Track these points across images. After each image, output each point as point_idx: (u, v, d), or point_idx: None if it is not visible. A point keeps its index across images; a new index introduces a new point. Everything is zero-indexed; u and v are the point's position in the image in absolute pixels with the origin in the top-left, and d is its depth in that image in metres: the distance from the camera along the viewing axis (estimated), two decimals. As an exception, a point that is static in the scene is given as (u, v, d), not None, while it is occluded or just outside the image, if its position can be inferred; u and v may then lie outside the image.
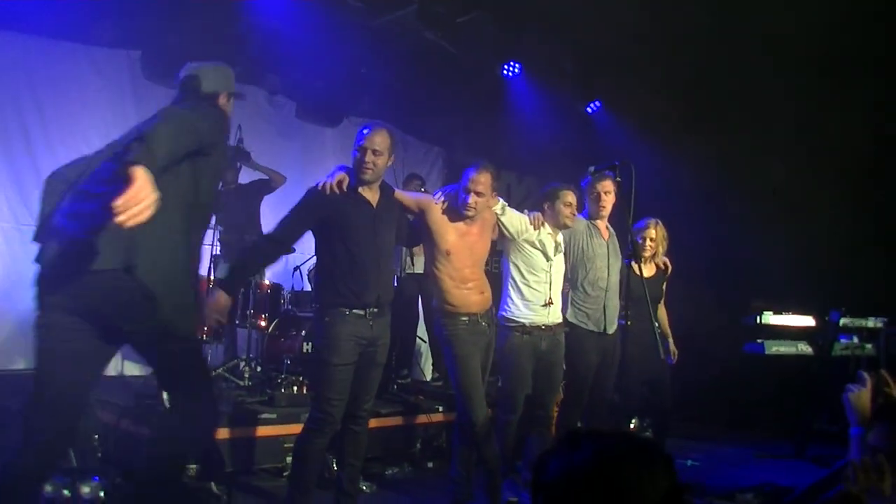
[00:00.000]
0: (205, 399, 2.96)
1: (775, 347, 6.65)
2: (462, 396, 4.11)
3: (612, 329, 4.73)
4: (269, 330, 5.83)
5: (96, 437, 4.35)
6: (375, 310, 3.72)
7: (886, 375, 2.63)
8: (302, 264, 6.40)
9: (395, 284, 6.31)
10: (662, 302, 5.29)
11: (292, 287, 6.48)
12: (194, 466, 4.19)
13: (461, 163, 4.24)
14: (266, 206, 6.35)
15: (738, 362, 7.03)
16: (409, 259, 6.23)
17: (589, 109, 8.21)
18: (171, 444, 2.95)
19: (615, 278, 4.77)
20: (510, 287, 4.46)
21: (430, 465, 5.45)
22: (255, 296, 5.82)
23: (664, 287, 5.27)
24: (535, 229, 4.39)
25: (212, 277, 5.54)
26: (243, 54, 5.91)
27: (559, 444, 1.40)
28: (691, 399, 6.71)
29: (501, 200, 4.33)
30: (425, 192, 5.92)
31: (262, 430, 4.67)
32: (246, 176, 6.42)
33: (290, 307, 6.19)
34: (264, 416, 4.71)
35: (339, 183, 3.70)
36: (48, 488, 3.68)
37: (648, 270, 5.12)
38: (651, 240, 5.14)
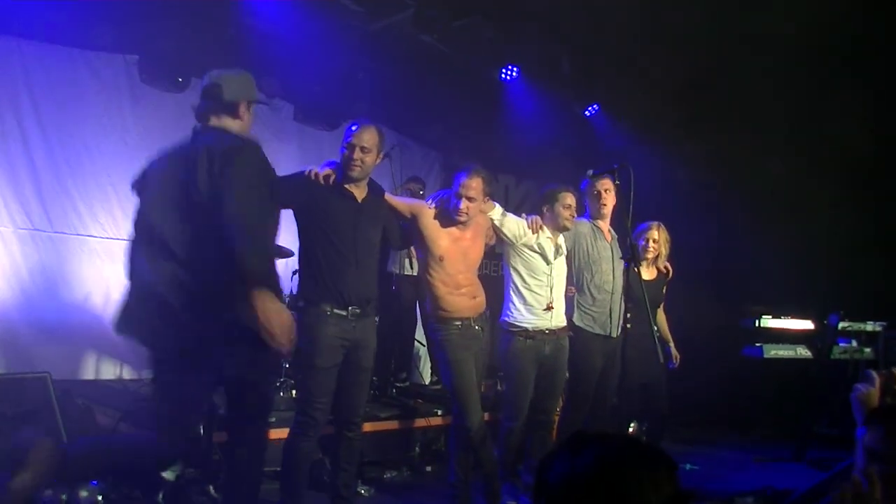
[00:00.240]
0: None
1: (774, 351, 6.66)
2: (456, 401, 4.10)
3: (617, 332, 4.70)
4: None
5: (94, 441, 4.33)
6: (358, 310, 3.67)
7: None
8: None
9: (394, 288, 6.34)
10: (661, 306, 5.27)
11: (290, 291, 6.44)
12: (192, 470, 4.19)
13: (459, 166, 4.22)
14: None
15: (737, 366, 7.02)
16: (407, 261, 6.19)
17: (587, 112, 8.21)
18: None
19: (620, 281, 4.73)
20: (511, 292, 4.44)
21: (428, 468, 5.44)
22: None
23: (664, 291, 5.25)
24: (533, 233, 4.37)
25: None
26: (240, 58, 5.90)
27: (563, 446, 1.39)
28: (690, 403, 6.70)
29: (498, 205, 4.31)
30: (423, 195, 5.92)
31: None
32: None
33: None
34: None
35: (326, 177, 3.68)
36: (46, 492, 3.68)
37: (649, 274, 5.09)
38: (654, 241, 5.09)
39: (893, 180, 6.85)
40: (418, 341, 6.83)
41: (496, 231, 4.34)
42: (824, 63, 6.38)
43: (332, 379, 3.64)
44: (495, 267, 6.39)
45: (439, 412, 5.59)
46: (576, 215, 4.56)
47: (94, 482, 3.79)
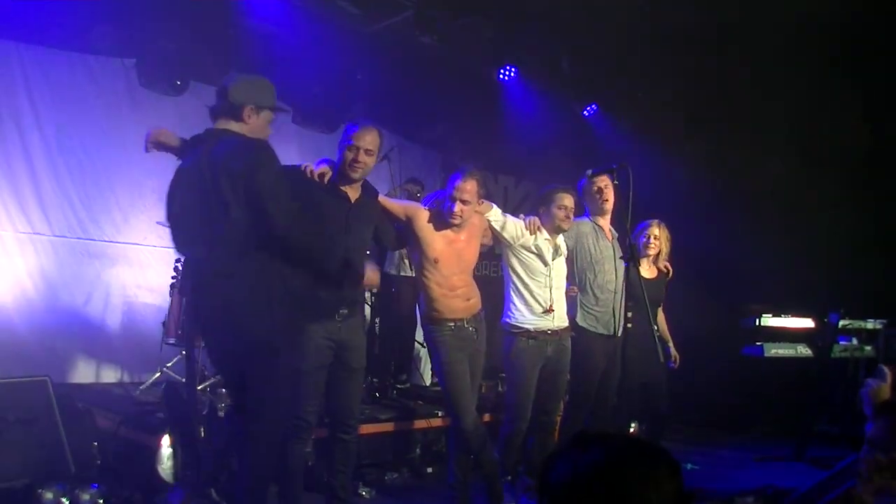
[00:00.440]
0: None
1: (774, 350, 6.64)
2: (450, 402, 4.09)
3: (619, 332, 4.67)
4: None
5: (95, 444, 4.32)
6: (345, 311, 3.66)
7: None
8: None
9: (394, 289, 6.34)
10: (661, 306, 5.27)
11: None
12: (191, 473, 4.18)
13: (458, 167, 4.20)
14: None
15: (737, 365, 7.00)
16: (406, 263, 6.17)
17: (586, 112, 8.21)
18: None
19: (622, 280, 4.73)
20: (512, 293, 4.43)
21: (429, 470, 5.43)
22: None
23: (665, 291, 5.24)
24: (531, 234, 4.36)
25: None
26: (238, 61, 5.92)
27: (567, 445, 1.39)
28: (690, 402, 6.71)
29: (495, 207, 4.29)
30: (421, 196, 5.91)
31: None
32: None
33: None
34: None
35: (321, 175, 3.65)
36: (48, 495, 3.68)
37: (650, 273, 5.08)
38: (655, 237, 5.08)
39: (893, 180, 6.86)
40: (418, 342, 6.82)
41: (494, 232, 4.32)
42: (824, 63, 6.38)
43: (320, 380, 3.62)
44: (495, 268, 6.38)
45: (440, 413, 5.57)
46: (573, 216, 4.52)
47: (95, 485, 3.79)
